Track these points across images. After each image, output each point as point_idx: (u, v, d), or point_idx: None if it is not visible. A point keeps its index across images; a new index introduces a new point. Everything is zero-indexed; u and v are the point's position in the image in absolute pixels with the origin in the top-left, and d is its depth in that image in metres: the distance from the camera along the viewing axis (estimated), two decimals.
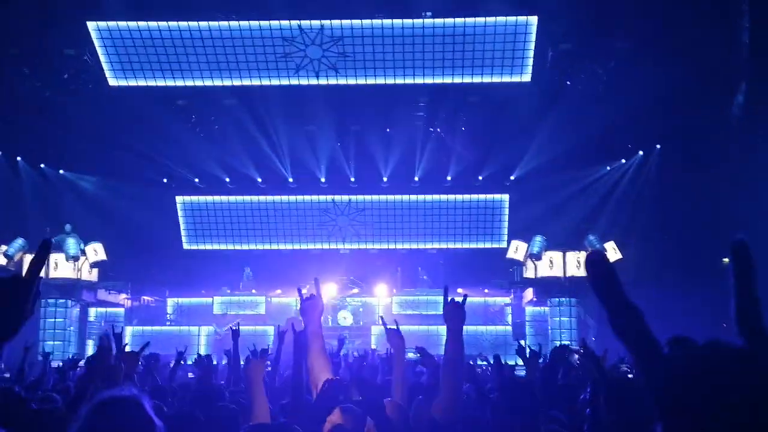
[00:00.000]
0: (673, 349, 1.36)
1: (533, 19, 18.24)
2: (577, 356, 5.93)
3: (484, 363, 10.97)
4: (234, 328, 6.69)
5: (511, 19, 18.36)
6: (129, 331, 20.18)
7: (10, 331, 1.58)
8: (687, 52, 16.72)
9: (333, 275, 22.16)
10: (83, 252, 19.08)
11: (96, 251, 19.30)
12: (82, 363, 12.46)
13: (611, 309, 1.39)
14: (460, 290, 19.30)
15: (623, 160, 22.39)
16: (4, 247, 18.52)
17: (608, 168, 22.62)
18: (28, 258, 18.77)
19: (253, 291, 21.72)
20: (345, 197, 23.72)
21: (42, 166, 22.20)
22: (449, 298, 3.67)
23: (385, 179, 23.03)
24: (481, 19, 18.35)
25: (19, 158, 21.75)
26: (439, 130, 21.61)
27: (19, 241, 18.72)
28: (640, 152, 21.88)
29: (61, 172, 22.60)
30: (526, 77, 19.24)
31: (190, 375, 10.66)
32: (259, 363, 4.11)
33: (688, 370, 1.31)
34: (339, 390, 3.41)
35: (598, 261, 1.39)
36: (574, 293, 19.12)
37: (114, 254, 19.71)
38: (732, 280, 1.37)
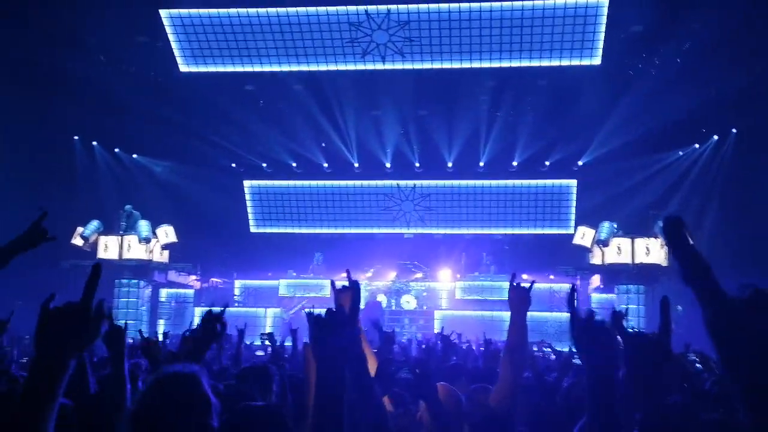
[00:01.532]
0: (741, 292, 1.59)
1: (604, 1, 17.81)
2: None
3: (549, 350, 10.84)
4: (304, 311, 6.76)
5: (582, 1, 17.96)
6: (198, 311, 20.70)
7: (73, 351, 1.74)
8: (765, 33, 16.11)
9: (397, 259, 22.24)
10: (155, 234, 19.59)
11: (167, 233, 19.80)
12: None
13: (681, 259, 1.67)
14: (525, 276, 19.16)
15: (696, 145, 21.75)
16: (80, 229, 19.18)
17: (680, 153, 22.01)
18: (103, 240, 19.43)
19: (321, 276, 21.98)
20: (410, 182, 23.73)
21: (116, 150, 22.88)
22: (515, 283, 3.63)
23: (450, 164, 22.92)
24: (550, 2, 18.03)
25: (95, 143, 22.48)
26: (505, 114, 21.33)
27: (95, 223, 19.35)
28: (715, 137, 21.22)
29: (134, 156, 23.26)
30: (596, 60, 18.84)
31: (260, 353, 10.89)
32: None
33: (751, 311, 1.53)
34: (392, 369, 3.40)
35: (673, 221, 1.70)
36: (642, 280, 18.72)
37: (184, 237, 20.19)
38: (670, 249, 1.68)
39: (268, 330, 18.78)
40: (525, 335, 3.58)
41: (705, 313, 1.57)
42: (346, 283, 3.11)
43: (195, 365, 2.25)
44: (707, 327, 1.55)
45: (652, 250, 18.52)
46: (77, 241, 19.11)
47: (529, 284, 3.61)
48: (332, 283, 3.28)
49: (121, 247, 19.41)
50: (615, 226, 19.01)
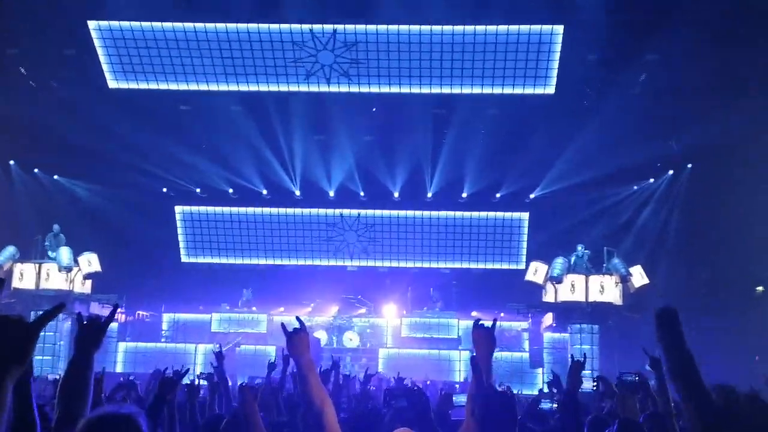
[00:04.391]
0: (718, 397, 1.88)
1: (559, 29, 18.26)
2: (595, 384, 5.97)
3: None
4: (236, 346, 6.75)
5: (536, 27, 18.38)
6: (122, 347, 20.24)
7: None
8: (722, 65, 16.68)
9: (339, 293, 22.14)
10: (77, 262, 19.14)
11: (90, 262, 19.37)
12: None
13: (671, 353, 1.80)
14: (474, 314, 19.26)
15: (651, 180, 22.32)
16: None
17: (635, 187, 22.55)
18: (18, 267, 18.88)
19: (254, 309, 21.73)
20: (354, 211, 23.73)
21: (36, 170, 22.34)
22: (479, 322, 3.67)
23: (396, 194, 23.03)
24: (503, 27, 18.39)
25: (12, 162, 21.92)
26: (455, 143, 21.56)
27: (10, 249, 18.82)
28: (670, 171, 21.81)
29: (55, 177, 22.74)
30: (550, 89, 19.26)
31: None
32: (251, 394, 4.16)
33: (731, 420, 1.76)
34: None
35: (668, 313, 1.85)
36: (597, 319, 19.00)
37: (108, 266, 19.77)
38: (661, 344, 1.85)
39: (198, 369, 18.45)
40: (491, 376, 3.59)
41: (689, 409, 1.74)
42: (297, 325, 3.13)
43: (131, 406, 2.28)
44: (691, 421, 1.71)
45: (607, 288, 18.84)
46: None
47: (492, 323, 3.66)
48: (283, 326, 3.29)
49: (38, 275, 18.90)
50: (584, 250, 19.29)
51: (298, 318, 3.35)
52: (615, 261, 19.07)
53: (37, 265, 19.02)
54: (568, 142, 20.26)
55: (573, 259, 19.28)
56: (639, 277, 18.99)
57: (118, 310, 20.96)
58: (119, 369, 19.49)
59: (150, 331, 22.10)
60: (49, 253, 19.35)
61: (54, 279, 18.95)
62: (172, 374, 5.04)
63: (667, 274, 20.20)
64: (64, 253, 18.91)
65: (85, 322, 2.85)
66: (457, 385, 16.88)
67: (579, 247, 19.39)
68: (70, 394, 2.67)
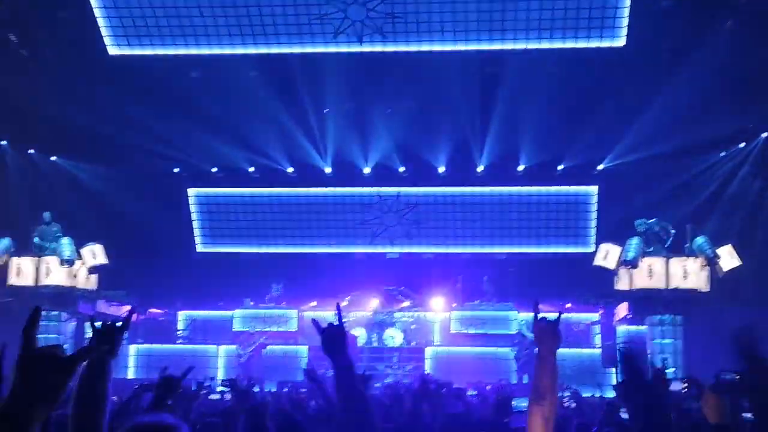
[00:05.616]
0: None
1: None
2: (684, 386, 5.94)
3: (567, 395, 10.91)
4: (262, 348, 6.74)
5: None
6: (133, 349, 20.54)
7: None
8: None
9: (378, 285, 22.18)
10: (79, 255, 19.39)
11: (94, 254, 19.61)
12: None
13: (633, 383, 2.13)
14: (541, 306, 19.13)
15: (742, 144, 21.95)
16: None
17: (723, 154, 22.19)
18: (15, 261, 19.19)
19: (283, 304, 21.86)
20: (393, 189, 23.72)
21: (31, 151, 22.64)
22: (540, 316, 3.66)
23: (441, 168, 22.95)
24: None
25: (4, 142, 22.24)
26: (509, 108, 21.40)
27: (4, 242, 19.11)
28: (764, 134, 21.43)
29: (53, 159, 23.02)
30: (620, 41, 18.99)
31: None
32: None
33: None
34: None
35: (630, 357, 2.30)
36: (680, 309, 18.79)
37: (116, 258, 20.00)
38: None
39: (220, 373, 18.68)
40: (556, 378, 3.59)
41: None
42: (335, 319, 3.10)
43: (171, 417, 2.41)
44: None
45: (691, 273, 18.61)
46: None
47: (556, 316, 3.64)
48: (315, 322, 3.27)
49: (37, 270, 19.20)
50: (670, 228, 19.03)
51: (338, 306, 3.31)
52: (700, 240, 18.80)
53: (35, 259, 19.30)
54: (642, 104, 19.96)
55: (642, 234, 18.96)
56: (729, 258, 18.69)
57: (128, 308, 21.30)
58: (131, 374, 19.81)
59: (164, 332, 22.37)
60: (36, 242, 19.54)
61: (55, 274, 19.23)
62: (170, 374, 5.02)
63: (763, 253, 19.87)
64: (66, 245, 19.16)
65: (99, 328, 2.92)
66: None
67: (641, 221, 19.07)
68: (86, 408, 2.75)
